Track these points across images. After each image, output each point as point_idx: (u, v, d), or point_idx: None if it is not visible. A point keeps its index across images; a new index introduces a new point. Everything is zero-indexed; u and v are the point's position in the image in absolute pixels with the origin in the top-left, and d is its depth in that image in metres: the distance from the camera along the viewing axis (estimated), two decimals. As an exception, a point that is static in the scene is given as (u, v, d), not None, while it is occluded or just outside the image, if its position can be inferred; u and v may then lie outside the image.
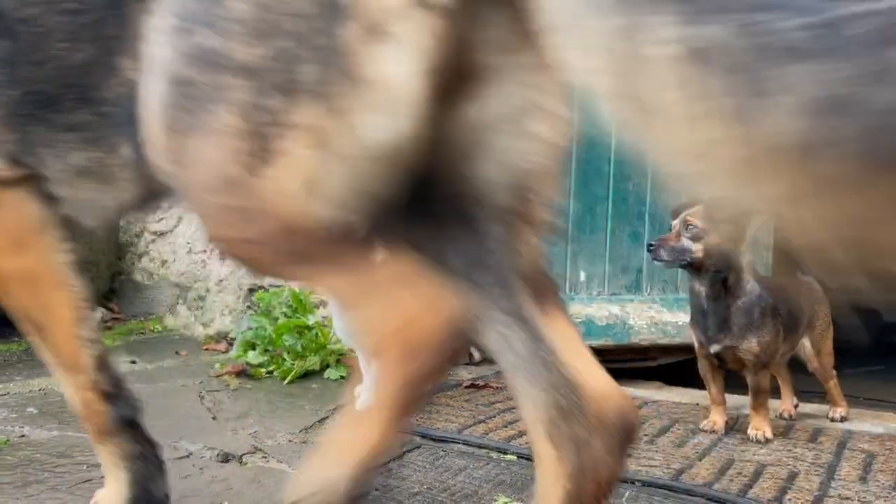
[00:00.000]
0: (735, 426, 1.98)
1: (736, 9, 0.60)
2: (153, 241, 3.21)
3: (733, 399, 2.14)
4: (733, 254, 1.82)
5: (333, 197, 0.79)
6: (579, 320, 2.75)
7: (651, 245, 1.85)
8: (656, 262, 1.91)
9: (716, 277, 1.82)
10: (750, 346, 1.83)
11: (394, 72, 0.74)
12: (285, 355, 2.40)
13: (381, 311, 0.83)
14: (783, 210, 0.66)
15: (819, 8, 0.60)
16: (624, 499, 1.47)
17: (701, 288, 1.86)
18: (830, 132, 0.59)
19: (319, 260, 0.84)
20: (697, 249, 1.80)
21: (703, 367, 1.95)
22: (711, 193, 0.68)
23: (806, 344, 2.04)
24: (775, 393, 2.05)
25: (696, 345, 1.94)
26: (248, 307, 2.91)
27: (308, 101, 0.76)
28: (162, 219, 3.18)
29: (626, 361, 2.93)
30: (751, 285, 1.84)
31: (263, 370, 2.37)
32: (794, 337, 1.97)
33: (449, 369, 0.87)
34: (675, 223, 1.84)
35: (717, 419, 1.94)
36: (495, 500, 1.42)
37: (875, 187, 0.60)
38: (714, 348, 1.87)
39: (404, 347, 0.82)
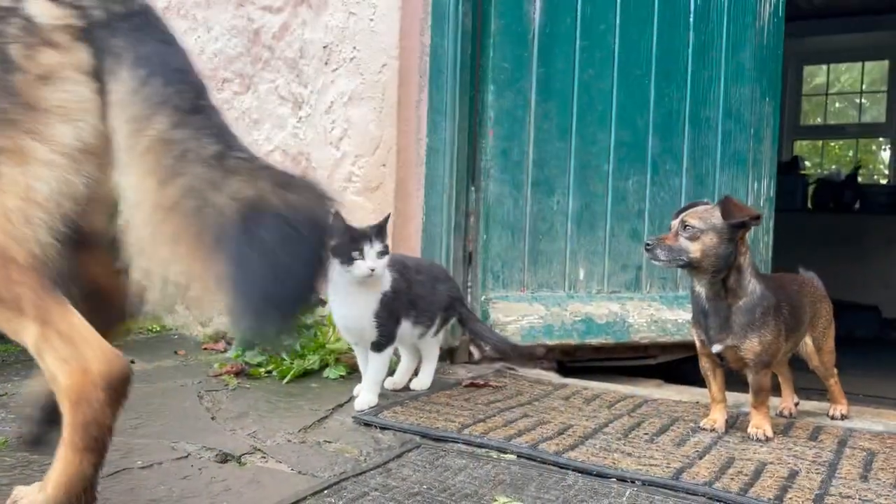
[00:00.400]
0: (735, 424, 1.98)
1: (190, 126, 1.09)
2: (151, 240, 3.20)
3: (733, 397, 2.14)
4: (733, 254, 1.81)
5: (46, 209, 1.08)
6: (579, 318, 2.75)
7: (648, 244, 1.83)
8: (654, 263, 1.91)
9: (715, 278, 1.81)
10: (751, 345, 1.82)
11: (67, 97, 1.09)
12: (284, 354, 2.39)
13: (62, 361, 1.09)
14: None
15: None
16: (625, 498, 1.47)
17: (700, 289, 1.85)
18: (182, 207, 1.06)
19: (18, 303, 1.07)
20: (695, 250, 1.78)
21: (704, 365, 1.95)
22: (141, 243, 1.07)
23: (807, 342, 2.03)
24: (775, 390, 2.04)
25: (697, 343, 1.93)
26: (247, 306, 2.90)
27: (4, 127, 1.07)
28: (160, 218, 3.17)
29: (625, 359, 2.93)
30: (752, 285, 1.83)
31: (262, 369, 2.36)
32: (796, 335, 1.96)
33: (115, 412, 1.12)
34: (674, 223, 1.84)
35: (717, 417, 1.93)
36: (495, 500, 1.42)
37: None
38: (716, 348, 1.86)
39: (77, 394, 1.08)
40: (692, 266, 1.81)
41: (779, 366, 2.05)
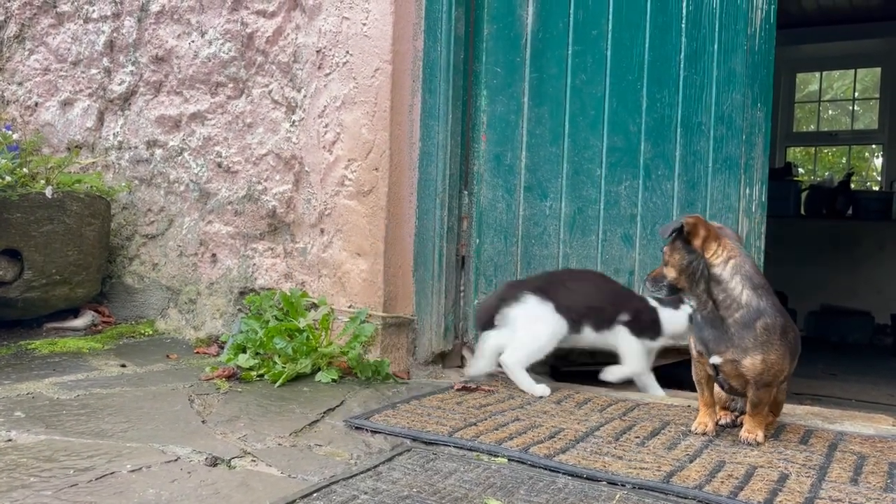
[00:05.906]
0: (725, 428, 1.98)
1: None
2: (144, 244, 3.19)
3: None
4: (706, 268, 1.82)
5: None
6: (571, 323, 2.75)
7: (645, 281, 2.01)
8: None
9: (694, 291, 1.84)
10: (753, 363, 1.78)
11: None
12: (276, 358, 2.39)
13: None
14: None
15: None
16: (615, 501, 1.46)
17: (692, 304, 1.90)
18: None
19: None
20: (668, 272, 1.88)
21: (698, 373, 1.92)
22: None
23: None
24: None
25: (695, 353, 1.90)
26: (239, 310, 2.89)
27: None
28: (153, 222, 3.16)
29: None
30: (745, 296, 1.79)
31: (254, 373, 2.36)
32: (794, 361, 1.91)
33: None
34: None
35: (707, 421, 1.93)
36: (485, 503, 1.42)
37: None
38: (714, 360, 1.83)
39: None
40: (676, 287, 1.88)
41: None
